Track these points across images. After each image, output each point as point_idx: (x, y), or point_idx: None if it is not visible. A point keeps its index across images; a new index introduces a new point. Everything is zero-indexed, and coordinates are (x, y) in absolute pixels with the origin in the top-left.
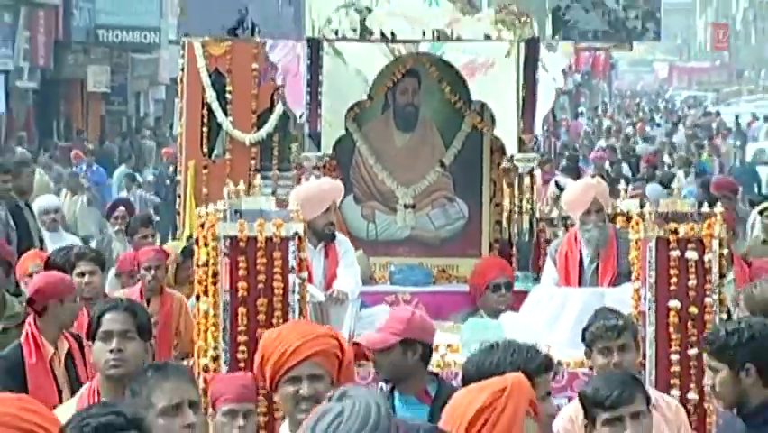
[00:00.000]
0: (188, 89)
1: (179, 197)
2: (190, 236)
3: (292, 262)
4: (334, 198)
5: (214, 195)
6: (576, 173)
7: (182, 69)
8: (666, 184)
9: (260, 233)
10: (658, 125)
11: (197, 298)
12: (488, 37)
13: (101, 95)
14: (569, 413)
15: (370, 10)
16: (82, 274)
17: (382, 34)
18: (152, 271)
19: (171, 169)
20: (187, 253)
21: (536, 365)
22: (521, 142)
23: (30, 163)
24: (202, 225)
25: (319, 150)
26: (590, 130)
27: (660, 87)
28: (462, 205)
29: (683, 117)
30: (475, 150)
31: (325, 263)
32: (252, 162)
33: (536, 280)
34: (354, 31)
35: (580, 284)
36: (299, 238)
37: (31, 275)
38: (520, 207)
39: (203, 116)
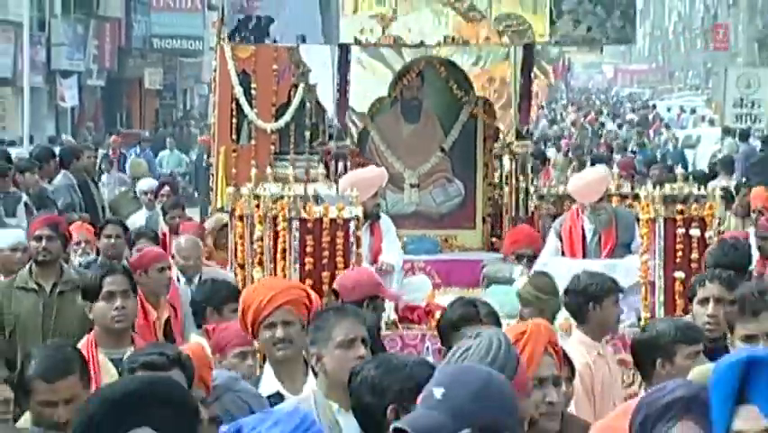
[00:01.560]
0: (220, 87)
1: (212, 176)
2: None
3: (352, 240)
4: (381, 183)
5: (241, 175)
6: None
7: (215, 70)
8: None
9: (325, 215)
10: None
11: (241, 266)
12: (489, 42)
13: (155, 91)
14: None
15: (392, 20)
16: (140, 250)
17: (401, 40)
18: None
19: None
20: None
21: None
22: (518, 130)
23: (85, 149)
24: (258, 206)
25: (345, 139)
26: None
27: (608, 85)
28: (460, 184)
29: (631, 111)
30: (470, 137)
31: (371, 240)
32: (272, 147)
33: None
34: (378, 38)
35: (584, 254)
36: (357, 219)
37: (78, 243)
38: (517, 187)
39: (232, 109)
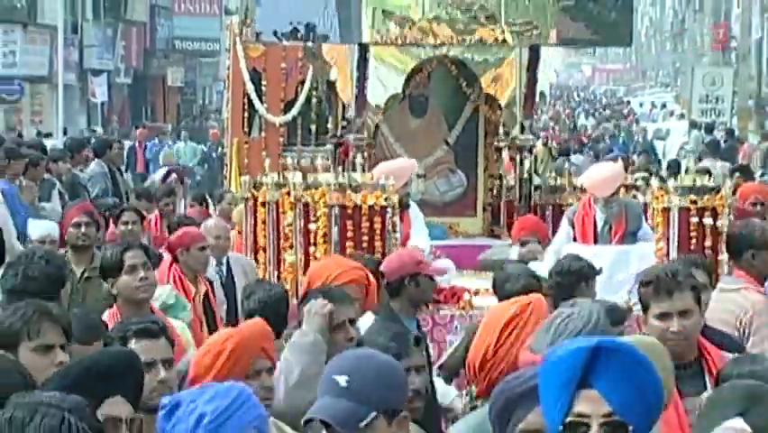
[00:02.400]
0: (233, 84)
1: (227, 165)
2: None
3: (389, 226)
4: (411, 173)
5: (253, 165)
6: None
7: (228, 69)
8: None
9: (363, 202)
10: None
11: (263, 249)
12: (499, 43)
13: (177, 88)
14: None
15: (409, 21)
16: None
17: (416, 40)
18: None
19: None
20: None
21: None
22: (522, 126)
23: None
24: (288, 193)
25: (363, 132)
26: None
27: (586, 83)
28: (462, 175)
29: (607, 106)
30: (472, 132)
31: (400, 226)
32: (281, 139)
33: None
34: (395, 38)
35: (595, 241)
36: (394, 206)
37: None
38: (521, 178)
39: (244, 104)
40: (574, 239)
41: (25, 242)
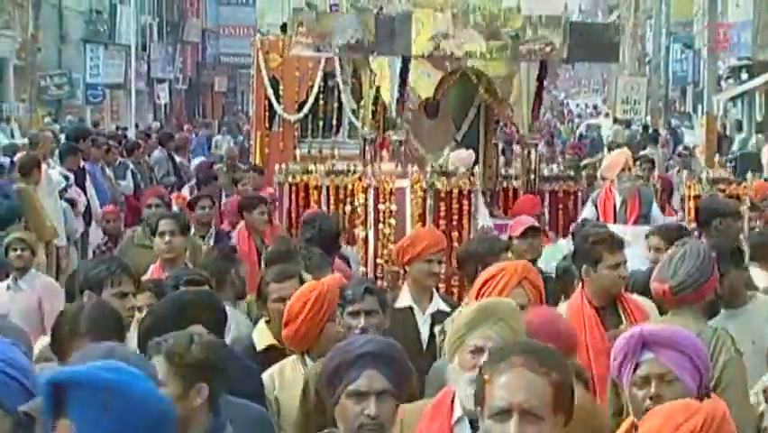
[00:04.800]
0: (257, 88)
1: (252, 154)
2: None
3: (473, 207)
4: (470, 163)
5: (273, 154)
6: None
7: (252, 76)
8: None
9: (455, 187)
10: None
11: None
12: (514, 57)
13: (222, 93)
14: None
15: (444, 37)
16: (261, 213)
17: (449, 55)
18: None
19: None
20: None
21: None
22: (530, 127)
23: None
24: (359, 179)
25: (401, 129)
26: None
27: None
28: None
29: (550, 107)
30: (476, 131)
31: None
32: (296, 133)
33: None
34: (430, 53)
35: (614, 221)
36: (477, 191)
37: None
38: (528, 169)
39: (265, 105)
40: (597, 218)
41: None
